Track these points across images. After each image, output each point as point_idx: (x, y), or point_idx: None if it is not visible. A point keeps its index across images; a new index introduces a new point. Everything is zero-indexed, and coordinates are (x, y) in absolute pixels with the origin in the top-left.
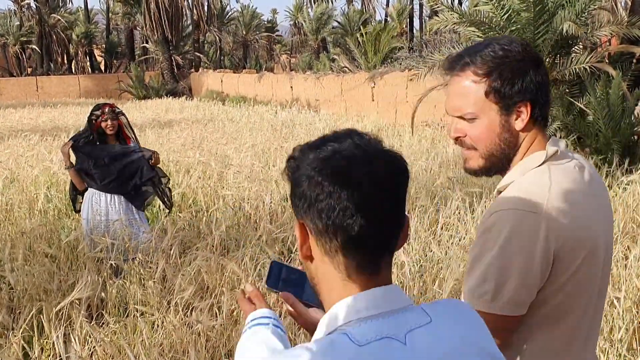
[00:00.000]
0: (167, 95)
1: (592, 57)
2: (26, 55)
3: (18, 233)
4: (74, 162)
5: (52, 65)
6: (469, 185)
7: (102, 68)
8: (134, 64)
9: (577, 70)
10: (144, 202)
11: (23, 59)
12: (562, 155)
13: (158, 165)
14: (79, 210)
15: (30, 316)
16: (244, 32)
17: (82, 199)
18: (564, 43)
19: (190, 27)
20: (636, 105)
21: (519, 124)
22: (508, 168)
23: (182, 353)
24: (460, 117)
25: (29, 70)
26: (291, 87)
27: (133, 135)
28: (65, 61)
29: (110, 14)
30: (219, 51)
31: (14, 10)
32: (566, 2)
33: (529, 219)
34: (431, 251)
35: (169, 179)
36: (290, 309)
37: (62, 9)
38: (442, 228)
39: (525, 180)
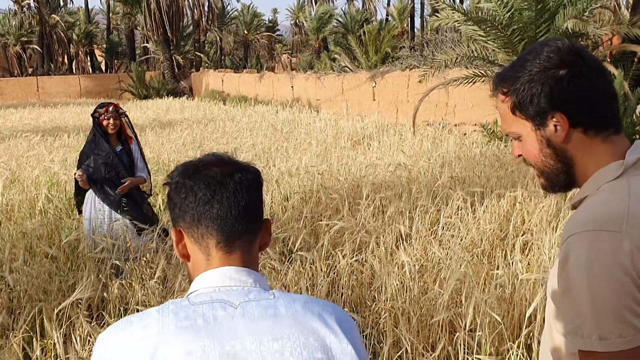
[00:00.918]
0: (167, 95)
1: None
2: (27, 55)
3: (19, 233)
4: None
5: (52, 65)
6: (471, 185)
7: (103, 68)
8: (135, 63)
9: None
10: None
11: (24, 59)
12: None
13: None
14: (83, 211)
15: (30, 317)
16: (245, 32)
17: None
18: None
19: (191, 27)
20: (638, 104)
21: (558, 135)
22: (575, 182)
23: None
24: (513, 137)
25: (30, 70)
26: (292, 86)
27: (135, 137)
28: (66, 61)
29: (110, 14)
30: (219, 51)
31: (15, 10)
32: (568, 1)
33: (608, 237)
34: (432, 251)
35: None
36: None
37: (62, 9)
38: (443, 228)
39: (600, 196)
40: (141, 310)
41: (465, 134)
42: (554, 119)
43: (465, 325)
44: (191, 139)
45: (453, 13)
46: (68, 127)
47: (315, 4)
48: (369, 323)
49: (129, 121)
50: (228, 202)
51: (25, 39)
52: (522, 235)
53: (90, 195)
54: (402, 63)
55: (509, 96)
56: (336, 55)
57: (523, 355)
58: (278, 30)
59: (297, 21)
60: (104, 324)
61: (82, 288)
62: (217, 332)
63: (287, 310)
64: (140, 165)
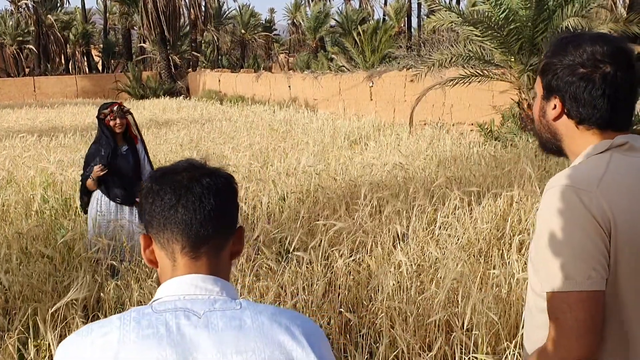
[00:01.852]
0: (164, 95)
1: None
2: (23, 55)
3: (14, 234)
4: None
5: (49, 65)
6: (468, 185)
7: (100, 68)
8: (132, 63)
9: None
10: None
11: (20, 59)
12: (633, 148)
13: None
14: (88, 211)
15: (25, 317)
16: (242, 32)
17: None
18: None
19: (188, 27)
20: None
21: (552, 113)
22: (565, 153)
23: None
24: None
25: (27, 70)
26: (289, 86)
27: (139, 135)
28: (63, 61)
29: (107, 14)
30: (216, 50)
31: (11, 10)
32: (565, 0)
33: (579, 193)
34: (429, 251)
35: None
36: None
37: (59, 9)
38: (440, 228)
39: (583, 164)
40: None
41: (462, 134)
42: (555, 100)
43: (462, 324)
44: (188, 139)
45: (449, 14)
46: (65, 128)
47: (311, 2)
48: (365, 323)
49: (134, 119)
50: (193, 207)
51: (22, 39)
52: (519, 235)
53: (96, 195)
54: (399, 63)
55: (544, 60)
56: (333, 55)
57: (520, 355)
58: (275, 29)
59: (294, 21)
60: None
61: (77, 288)
62: (180, 343)
63: (253, 322)
64: (147, 167)
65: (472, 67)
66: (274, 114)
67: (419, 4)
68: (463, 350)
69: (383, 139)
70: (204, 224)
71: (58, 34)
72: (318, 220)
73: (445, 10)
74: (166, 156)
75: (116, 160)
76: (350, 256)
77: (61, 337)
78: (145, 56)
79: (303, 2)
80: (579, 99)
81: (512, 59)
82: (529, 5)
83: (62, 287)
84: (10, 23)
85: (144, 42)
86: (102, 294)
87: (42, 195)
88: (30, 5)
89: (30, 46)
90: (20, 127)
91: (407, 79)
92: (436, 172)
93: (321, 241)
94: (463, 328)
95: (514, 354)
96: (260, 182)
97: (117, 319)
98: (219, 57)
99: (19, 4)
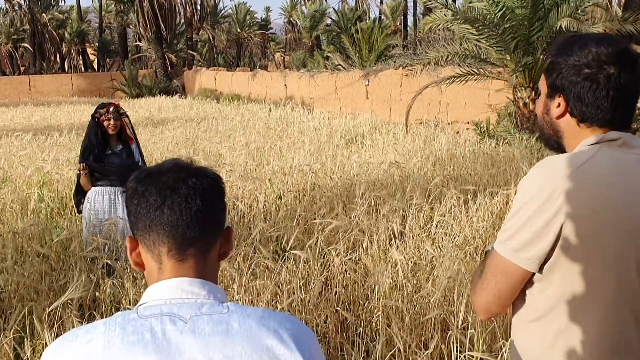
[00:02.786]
0: (160, 94)
1: None
2: (18, 54)
3: (10, 233)
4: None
5: (44, 64)
6: (464, 183)
7: (95, 66)
8: (127, 62)
9: None
10: None
11: (15, 57)
12: (626, 145)
13: None
14: (82, 211)
15: (21, 316)
16: (238, 30)
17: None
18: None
19: (184, 26)
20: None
21: (556, 111)
22: (562, 150)
23: None
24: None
25: (22, 69)
26: (285, 85)
27: (134, 137)
28: (58, 60)
29: (103, 13)
30: (212, 49)
31: (6, 8)
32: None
33: (552, 174)
34: (425, 249)
35: None
36: None
37: (54, 8)
38: (436, 226)
39: (572, 153)
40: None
41: (458, 132)
42: (559, 98)
43: (458, 323)
44: (184, 137)
45: (444, 13)
46: (60, 126)
47: (308, 1)
48: (362, 321)
49: (130, 121)
50: (179, 208)
51: (17, 38)
52: None
53: (89, 194)
54: (395, 61)
55: (549, 59)
56: (329, 54)
57: None
58: (271, 28)
59: (290, 19)
60: None
61: (73, 288)
62: (165, 348)
63: (241, 326)
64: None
65: (468, 66)
66: (270, 113)
67: (415, 3)
68: (459, 349)
69: (379, 138)
70: (191, 225)
71: (53, 32)
72: (315, 219)
73: (442, 9)
74: (162, 155)
75: (107, 159)
76: (347, 255)
77: (57, 336)
78: (141, 55)
79: (299, 0)
80: (583, 99)
81: (508, 58)
82: (524, 4)
83: (58, 286)
84: (5, 21)
85: (140, 40)
86: (97, 293)
87: (38, 194)
88: (24, 4)
89: (26, 44)
90: (16, 125)
91: (403, 77)
92: (432, 171)
93: (318, 240)
94: (459, 326)
95: None
96: (257, 180)
97: (102, 325)
98: (215, 55)
99: (13, 2)
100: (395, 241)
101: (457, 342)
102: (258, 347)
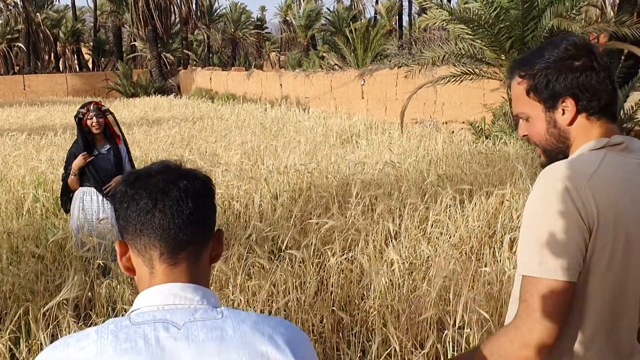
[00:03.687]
0: (155, 93)
1: None
2: (13, 53)
3: (4, 233)
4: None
5: (39, 63)
6: (459, 183)
7: (90, 66)
8: (122, 62)
9: None
10: None
11: (10, 57)
12: (628, 149)
13: None
14: (69, 210)
15: (17, 317)
16: (233, 30)
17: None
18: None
19: (179, 25)
20: (625, 101)
21: (565, 118)
22: (566, 157)
23: None
24: (521, 118)
25: (16, 68)
26: (280, 84)
27: (122, 136)
28: (53, 59)
29: (97, 12)
30: (207, 49)
31: (0, 8)
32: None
33: (567, 186)
34: (421, 249)
35: None
36: None
37: (48, 7)
38: (432, 226)
39: (577, 158)
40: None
41: (453, 132)
42: (564, 103)
43: (454, 322)
44: (179, 137)
45: (440, 12)
46: (55, 126)
47: (303, 1)
48: (358, 321)
49: (115, 119)
50: (171, 211)
51: (11, 37)
52: (510, 233)
53: (78, 194)
54: (390, 61)
55: (525, 79)
56: (324, 54)
57: None
58: (266, 28)
59: (286, 19)
60: (91, 323)
61: (68, 288)
62: (159, 356)
63: (235, 332)
64: (128, 167)
65: (463, 65)
66: (266, 112)
67: (410, 2)
68: (455, 348)
69: (375, 137)
70: (183, 228)
71: (47, 32)
72: (311, 219)
73: (437, 8)
74: (158, 154)
75: (94, 160)
76: (343, 254)
77: (53, 337)
78: (136, 54)
79: (294, 0)
80: (591, 88)
81: (503, 57)
82: (517, 4)
83: (54, 286)
84: None
85: (135, 40)
86: (90, 293)
87: (33, 194)
88: (19, 3)
89: (20, 44)
90: (10, 125)
91: (399, 77)
92: (428, 170)
93: (313, 239)
94: (455, 326)
95: None
96: (252, 180)
97: (94, 332)
98: (210, 55)
99: (7, 1)
100: (390, 241)
101: (453, 342)
102: (253, 353)
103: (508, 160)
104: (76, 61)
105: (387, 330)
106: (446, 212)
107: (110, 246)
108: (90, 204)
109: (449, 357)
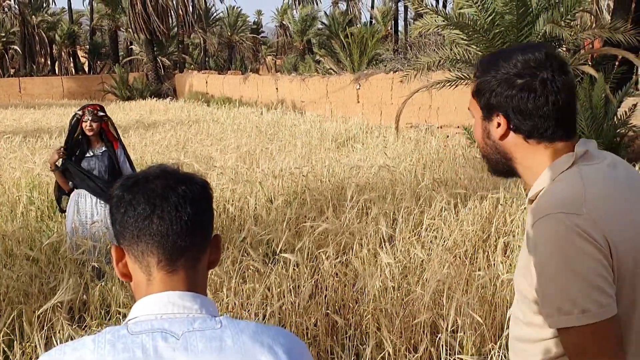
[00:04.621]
0: (151, 97)
1: (575, 59)
2: (8, 56)
3: None
4: (58, 165)
5: (34, 66)
6: (454, 187)
7: (86, 69)
8: (119, 65)
9: None
10: None
11: (5, 59)
12: (592, 156)
13: None
14: (64, 210)
15: (11, 319)
16: (229, 33)
17: (68, 198)
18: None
19: (175, 29)
20: (619, 107)
21: (498, 132)
22: (516, 173)
23: None
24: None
25: (12, 71)
26: (276, 88)
27: (119, 140)
28: (49, 62)
29: (93, 15)
30: (203, 52)
31: None
32: (549, 5)
33: (570, 219)
34: (415, 253)
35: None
36: None
37: (44, 10)
38: (426, 229)
39: (557, 185)
40: (123, 313)
41: (448, 137)
42: (497, 118)
43: (447, 326)
44: (175, 140)
45: (435, 18)
46: (51, 129)
47: (299, 4)
48: (352, 325)
49: (112, 124)
50: (169, 217)
51: (7, 40)
52: (504, 237)
53: (73, 196)
54: (385, 66)
55: (475, 80)
56: (320, 58)
57: (505, 356)
58: (263, 32)
59: (282, 23)
60: (85, 326)
61: (63, 291)
62: None
63: (234, 343)
64: (129, 170)
65: (458, 70)
66: (262, 116)
67: (406, 8)
68: (449, 352)
69: (370, 141)
70: (181, 234)
71: (43, 34)
72: (305, 222)
73: (432, 14)
74: (153, 157)
75: (88, 161)
76: (337, 258)
77: (47, 339)
78: (132, 57)
79: (290, 4)
80: (524, 111)
81: None
82: (512, 9)
83: (48, 289)
84: None
85: (132, 43)
86: (85, 296)
87: (28, 197)
88: (15, 6)
89: (16, 47)
90: (6, 128)
91: (394, 81)
92: (422, 174)
93: (308, 243)
94: (448, 329)
95: (499, 355)
96: (247, 183)
97: (91, 342)
98: (207, 58)
99: (3, 4)
100: (384, 244)
101: (446, 345)
102: None
103: None
104: (72, 64)
105: (381, 333)
106: (440, 216)
107: (104, 249)
108: (85, 206)
109: None
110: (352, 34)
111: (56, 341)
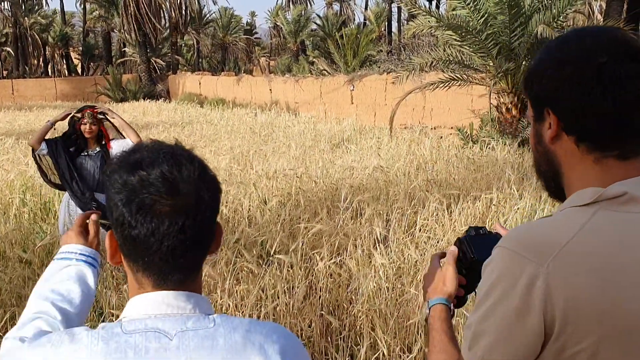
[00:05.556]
0: (144, 98)
1: None
2: (1, 57)
3: None
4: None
5: (27, 67)
6: (447, 188)
7: (79, 71)
8: (112, 66)
9: None
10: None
11: None
12: (632, 202)
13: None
14: (50, 181)
15: (3, 322)
16: (222, 35)
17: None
18: (540, 46)
19: (169, 30)
20: None
21: (548, 135)
22: (561, 194)
23: None
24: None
25: (4, 72)
26: (270, 89)
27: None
28: (42, 64)
29: (86, 16)
30: (197, 54)
31: None
32: (542, 6)
33: (526, 266)
34: (409, 253)
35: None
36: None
37: (37, 12)
38: (420, 230)
39: (553, 218)
40: (116, 315)
41: (441, 137)
42: (548, 117)
43: None
44: (168, 141)
45: (428, 19)
46: None
47: (292, 6)
48: (346, 325)
49: (113, 125)
50: (167, 240)
51: None
52: None
53: (65, 198)
54: (379, 67)
55: (526, 72)
56: (314, 59)
57: None
58: (256, 33)
59: (276, 24)
60: None
61: None
62: None
63: (226, 342)
64: None
65: (451, 71)
66: (255, 117)
67: (399, 9)
68: None
69: (364, 142)
70: (178, 258)
71: (36, 36)
72: (299, 223)
73: (425, 15)
74: None
75: (80, 160)
76: (331, 259)
77: None
78: (125, 59)
79: (284, 4)
80: (575, 106)
81: (491, 64)
82: (504, 10)
83: None
84: None
85: (125, 45)
86: None
87: (21, 199)
88: (7, 8)
89: (8, 48)
90: None
91: (388, 82)
92: (416, 175)
93: (302, 244)
94: None
95: None
96: (241, 185)
97: (86, 336)
98: (200, 60)
99: None
100: (378, 245)
101: None
102: None
103: (495, 165)
104: (65, 66)
105: (375, 334)
106: (434, 216)
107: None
108: (76, 208)
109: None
110: (345, 35)
111: None
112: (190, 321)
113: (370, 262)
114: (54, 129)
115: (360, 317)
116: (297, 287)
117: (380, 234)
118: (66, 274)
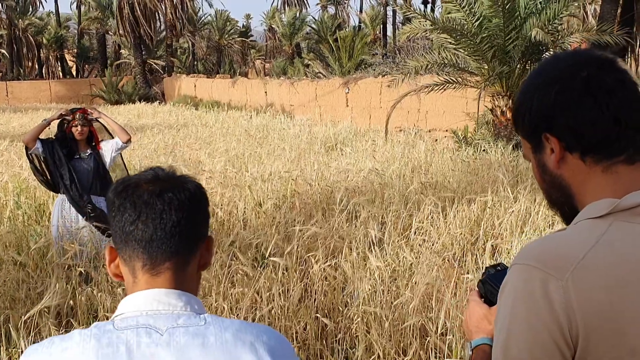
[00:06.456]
0: (139, 100)
1: None
2: None
3: None
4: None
5: (22, 70)
6: (442, 190)
7: (74, 73)
8: (108, 69)
9: None
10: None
11: None
12: None
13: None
14: (45, 181)
15: None
16: (218, 37)
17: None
18: (534, 49)
19: (164, 32)
20: None
21: (552, 160)
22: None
23: None
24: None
25: None
26: (265, 92)
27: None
28: (36, 66)
29: (81, 18)
30: (192, 56)
31: None
32: (536, 9)
33: (544, 280)
34: (404, 256)
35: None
36: None
37: (32, 14)
38: (415, 233)
39: (567, 232)
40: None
41: (436, 140)
42: (547, 142)
43: (437, 329)
44: (163, 144)
45: (422, 22)
46: None
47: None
48: (341, 328)
49: (103, 126)
50: (153, 224)
51: None
52: (492, 240)
53: (58, 201)
54: (374, 70)
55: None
56: (309, 62)
57: None
58: (251, 35)
59: (271, 27)
60: None
61: (50, 296)
62: None
63: (217, 340)
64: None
65: (446, 74)
66: (251, 120)
67: (394, 12)
68: (438, 355)
69: (359, 145)
70: (166, 240)
71: (31, 38)
72: (294, 226)
73: (420, 18)
74: (141, 162)
75: (74, 163)
76: (326, 261)
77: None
78: (120, 61)
79: (279, 6)
80: (569, 120)
81: (485, 67)
82: (498, 13)
83: (36, 293)
84: None
85: (120, 47)
86: (72, 301)
87: (15, 201)
88: (2, 10)
89: (3, 50)
90: None
91: (383, 85)
92: (411, 178)
93: (297, 246)
94: (437, 333)
95: None
96: (236, 187)
97: (78, 335)
98: (195, 62)
99: None
100: (374, 248)
101: (435, 349)
102: None
103: (490, 168)
104: (60, 68)
105: (370, 337)
106: (429, 219)
107: (92, 253)
108: (70, 210)
109: None
110: (340, 38)
111: None
112: (181, 319)
113: (366, 264)
114: (49, 128)
115: (355, 319)
116: (292, 290)
117: (375, 236)
118: None
